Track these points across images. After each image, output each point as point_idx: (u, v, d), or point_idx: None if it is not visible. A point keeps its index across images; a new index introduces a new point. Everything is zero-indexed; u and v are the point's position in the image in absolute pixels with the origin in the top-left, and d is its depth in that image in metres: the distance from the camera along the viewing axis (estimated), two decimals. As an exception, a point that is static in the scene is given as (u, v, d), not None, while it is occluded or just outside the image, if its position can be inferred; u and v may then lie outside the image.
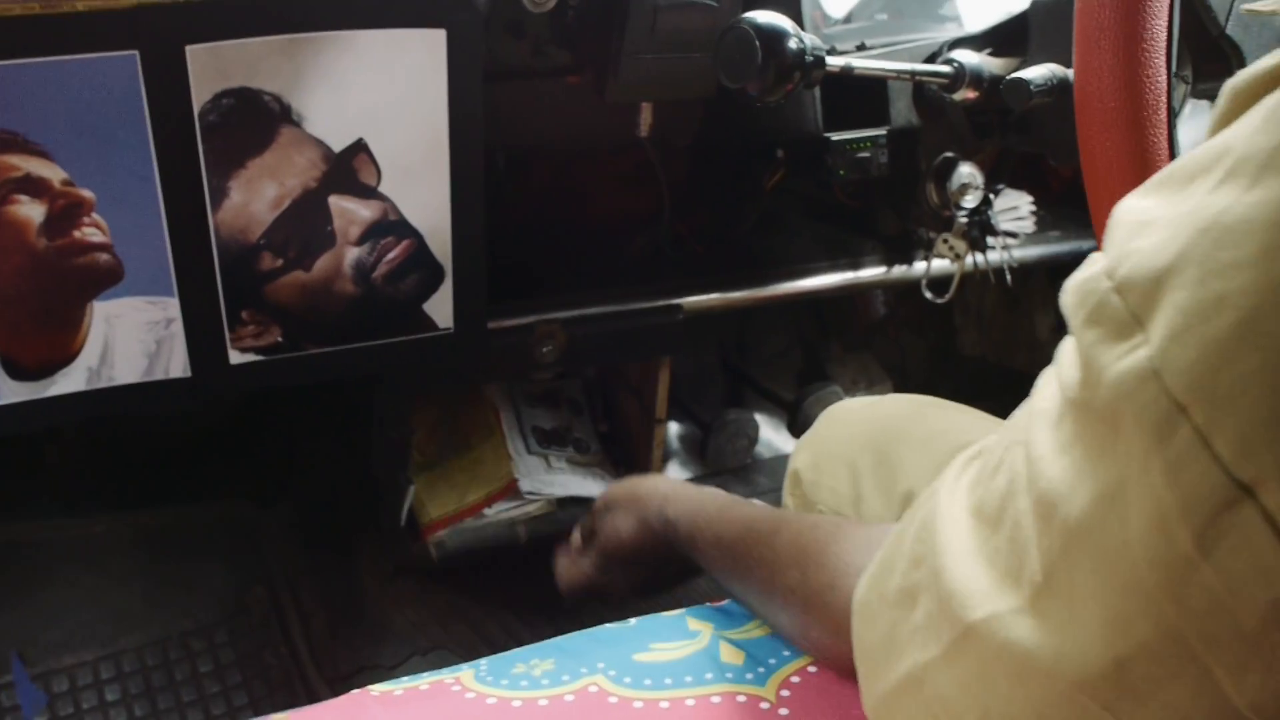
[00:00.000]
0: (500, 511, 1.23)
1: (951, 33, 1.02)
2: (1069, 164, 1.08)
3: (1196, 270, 0.30)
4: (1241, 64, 0.69)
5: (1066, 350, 0.36)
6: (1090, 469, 0.33)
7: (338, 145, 0.84)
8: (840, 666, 0.56)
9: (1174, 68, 0.58)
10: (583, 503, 1.26)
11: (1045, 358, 0.38)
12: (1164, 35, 0.58)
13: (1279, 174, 0.29)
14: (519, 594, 1.19)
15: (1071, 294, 0.35)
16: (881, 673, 0.43)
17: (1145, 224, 0.33)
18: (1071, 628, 0.34)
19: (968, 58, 0.89)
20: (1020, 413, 0.39)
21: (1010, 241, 1.14)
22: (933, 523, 0.41)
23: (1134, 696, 0.33)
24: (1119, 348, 0.32)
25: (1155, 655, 0.32)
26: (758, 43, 0.79)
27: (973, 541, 0.39)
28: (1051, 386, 0.37)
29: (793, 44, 0.79)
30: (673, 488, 0.74)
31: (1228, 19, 0.68)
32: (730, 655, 0.62)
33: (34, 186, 0.76)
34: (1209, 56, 0.70)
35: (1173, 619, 0.31)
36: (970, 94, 0.89)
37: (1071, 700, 0.34)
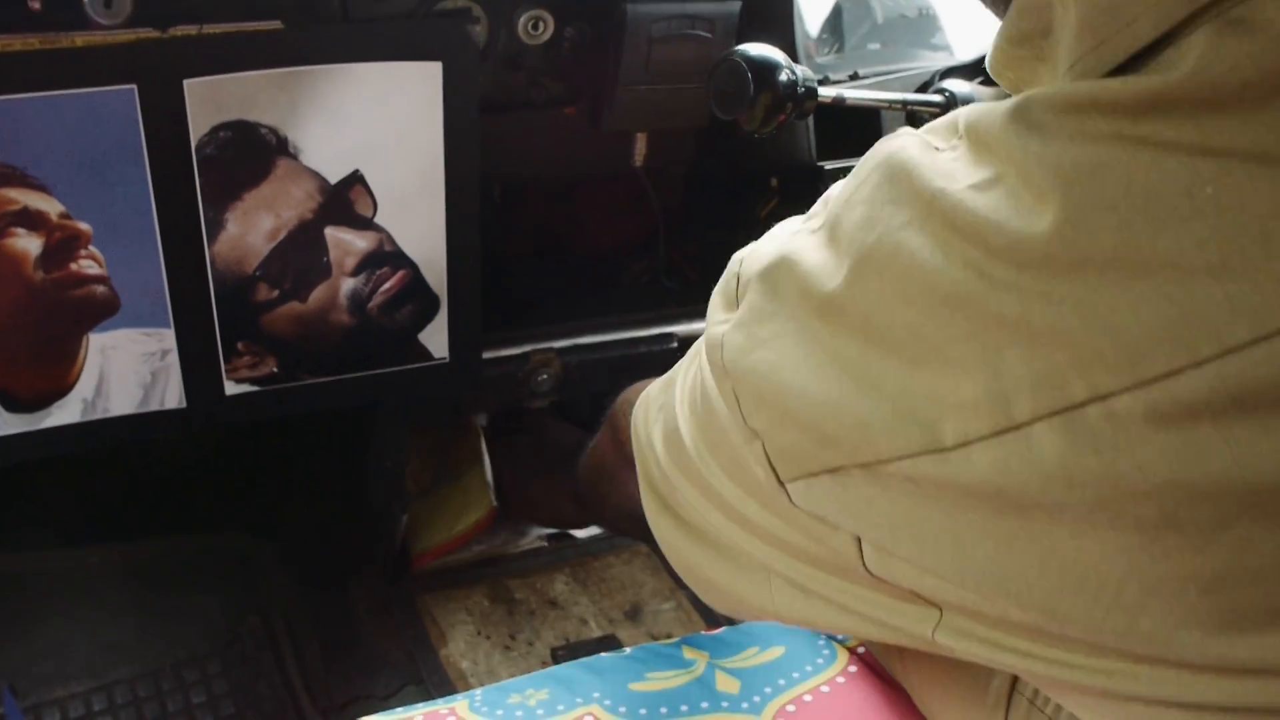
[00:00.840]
0: (488, 541, 1.23)
1: (943, 62, 1.03)
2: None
3: (764, 287, 0.44)
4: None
5: (720, 289, 0.49)
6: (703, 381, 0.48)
7: (334, 177, 0.84)
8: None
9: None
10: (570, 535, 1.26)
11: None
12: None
13: (836, 250, 0.40)
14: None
15: (732, 261, 0.49)
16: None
17: (772, 236, 0.48)
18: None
19: (959, 87, 0.90)
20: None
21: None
22: (673, 378, 0.56)
23: None
24: (722, 315, 0.47)
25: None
26: (749, 75, 0.79)
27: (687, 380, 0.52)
28: (721, 313, 0.49)
29: (784, 76, 0.80)
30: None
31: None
32: (726, 684, 0.62)
33: (31, 220, 0.77)
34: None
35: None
36: (961, 123, 0.90)
37: None
